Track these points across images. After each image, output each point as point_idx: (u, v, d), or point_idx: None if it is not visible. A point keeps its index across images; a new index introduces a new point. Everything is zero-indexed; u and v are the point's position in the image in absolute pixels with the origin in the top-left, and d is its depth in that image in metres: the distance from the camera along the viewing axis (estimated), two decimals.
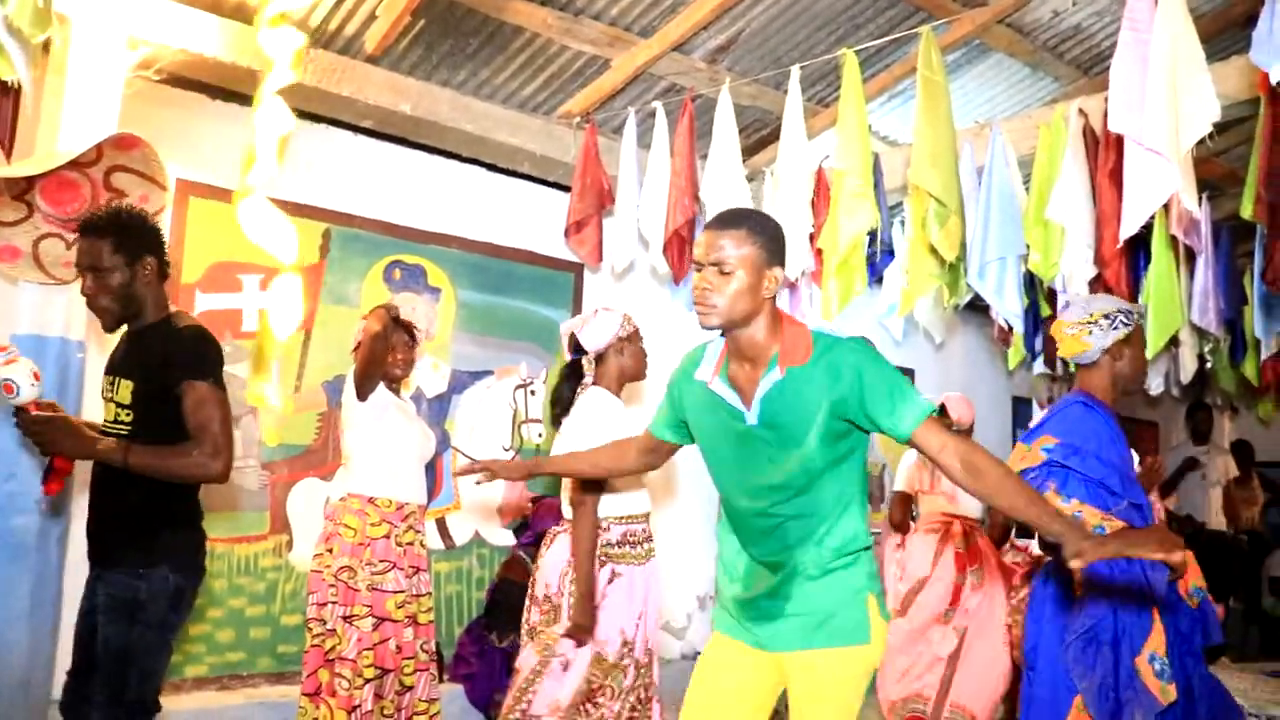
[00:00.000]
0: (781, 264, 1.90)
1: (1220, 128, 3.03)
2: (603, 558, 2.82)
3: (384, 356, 3.21)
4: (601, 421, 2.80)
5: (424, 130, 4.32)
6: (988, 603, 3.94)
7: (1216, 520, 6.69)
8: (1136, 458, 2.85)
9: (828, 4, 4.07)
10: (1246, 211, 3.44)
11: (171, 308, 2.43)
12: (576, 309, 4.88)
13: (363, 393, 3.20)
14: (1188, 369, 5.31)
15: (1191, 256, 4.56)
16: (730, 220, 1.89)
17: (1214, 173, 4.91)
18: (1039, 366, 5.53)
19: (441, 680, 3.87)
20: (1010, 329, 4.66)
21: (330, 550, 3.15)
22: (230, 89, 3.82)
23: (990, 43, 4.43)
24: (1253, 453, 7.02)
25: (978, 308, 5.96)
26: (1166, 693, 2.31)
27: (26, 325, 3.02)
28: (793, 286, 4.86)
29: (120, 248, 2.31)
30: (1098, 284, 3.83)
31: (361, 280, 4.28)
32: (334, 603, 3.10)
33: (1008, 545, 4.21)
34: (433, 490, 4.22)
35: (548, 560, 2.88)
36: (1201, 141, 2.97)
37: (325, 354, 4.12)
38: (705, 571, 5.04)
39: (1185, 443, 7.03)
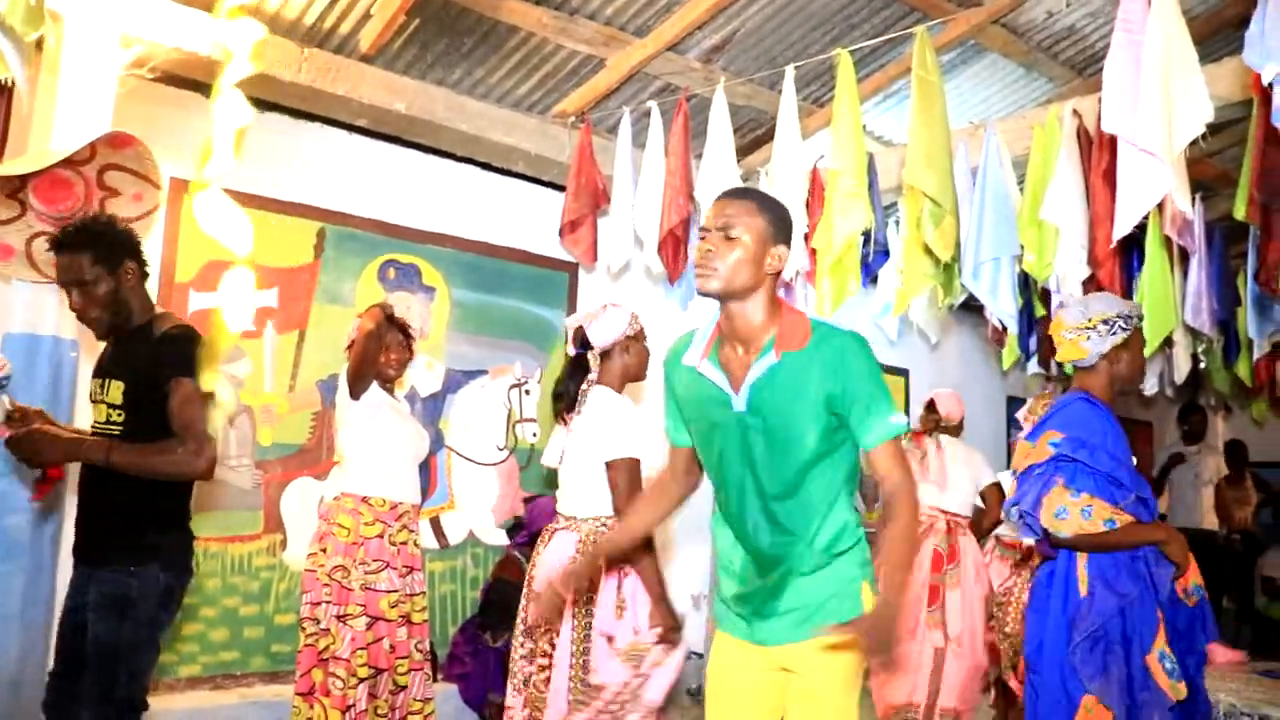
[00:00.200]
0: (787, 244, 1.91)
1: (1213, 129, 3.02)
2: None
3: (377, 355, 3.21)
4: (616, 422, 2.73)
5: (419, 129, 4.31)
6: (966, 601, 4.01)
7: (1209, 520, 6.71)
8: (1135, 460, 2.85)
9: (822, 4, 4.07)
10: (1239, 212, 3.45)
11: (157, 309, 2.43)
12: (571, 309, 4.88)
13: (355, 392, 3.20)
14: (1182, 369, 5.32)
15: (1185, 257, 4.56)
16: (742, 192, 1.96)
17: (1207, 174, 4.91)
18: (1033, 367, 5.54)
19: (436, 680, 3.87)
20: (1004, 329, 4.66)
21: (324, 549, 3.14)
22: None
23: (985, 43, 4.43)
24: (1247, 453, 7.03)
25: (972, 308, 5.97)
26: (1177, 690, 2.30)
27: (19, 324, 3.02)
28: (788, 286, 4.85)
29: (99, 259, 2.32)
30: (1091, 284, 3.83)
31: (356, 279, 4.28)
32: (328, 602, 3.10)
33: (993, 543, 4.21)
34: (427, 489, 4.21)
35: (545, 558, 2.81)
36: (1195, 142, 2.97)
37: (320, 353, 4.11)
38: (698, 570, 5.05)
39: (1178, 442, 7.05)
